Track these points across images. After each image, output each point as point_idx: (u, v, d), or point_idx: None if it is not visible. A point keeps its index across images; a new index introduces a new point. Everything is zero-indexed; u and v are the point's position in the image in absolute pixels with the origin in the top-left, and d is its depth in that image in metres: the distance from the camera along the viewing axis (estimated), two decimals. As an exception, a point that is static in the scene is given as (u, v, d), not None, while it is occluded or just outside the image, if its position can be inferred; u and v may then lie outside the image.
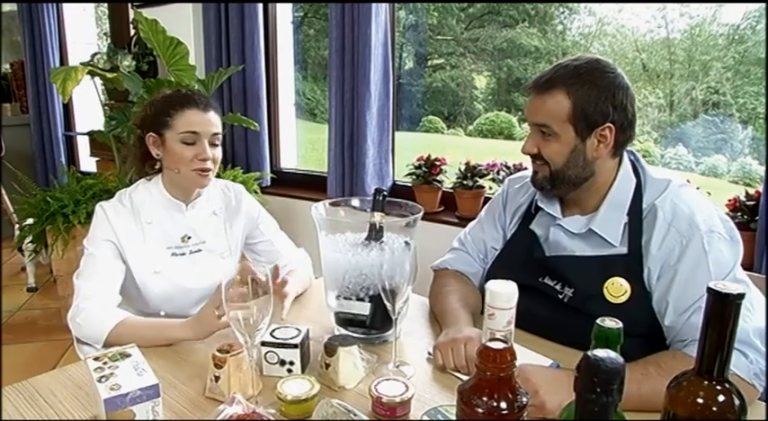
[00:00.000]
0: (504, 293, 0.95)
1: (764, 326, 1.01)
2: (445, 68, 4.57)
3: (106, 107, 3.10)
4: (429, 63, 4.66)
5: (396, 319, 1.09)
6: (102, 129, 2.85)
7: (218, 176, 1.57)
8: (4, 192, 3.76)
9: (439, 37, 4.55)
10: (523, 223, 1.32)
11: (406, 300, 1.07)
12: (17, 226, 3.16)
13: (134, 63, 3.26)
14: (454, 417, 0.84)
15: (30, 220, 2.82)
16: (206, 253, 1.45)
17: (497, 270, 1.33)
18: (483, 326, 0.98)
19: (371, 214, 1.21)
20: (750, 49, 3.07)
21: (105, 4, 4.26)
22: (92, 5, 4.56)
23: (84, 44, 4.44)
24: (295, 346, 1.07)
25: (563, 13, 4.02)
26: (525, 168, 2.34)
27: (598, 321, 0.70)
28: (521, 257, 1.28)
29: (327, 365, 1.05)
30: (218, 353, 0.99)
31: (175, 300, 1.42)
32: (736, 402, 0.59)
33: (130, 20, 3.48)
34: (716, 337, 0.59)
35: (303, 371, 1.08)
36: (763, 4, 2.42)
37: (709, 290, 0.59)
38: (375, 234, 1.20)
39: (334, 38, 2.67)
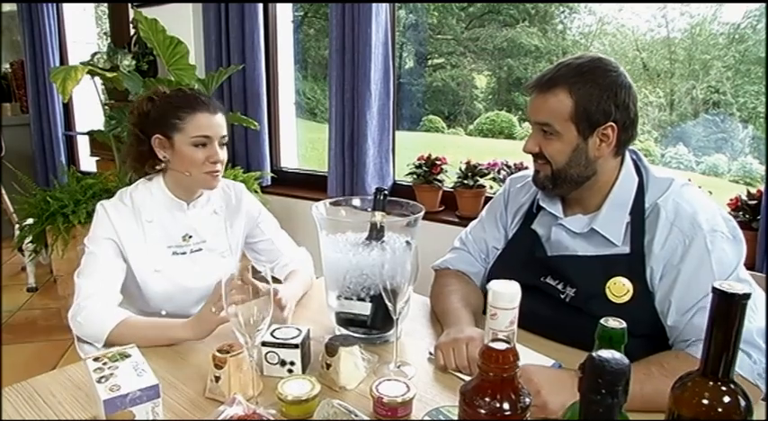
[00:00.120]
0: (507, 293, 0.95)
1: (765, 326, 1.00)
2: (445, 68, 4.57)
3: (106, 107, 3.09)
4: (429, 62, 4.66)
5: (397, 319, 1.08)
6: (102, 128, 2.84)
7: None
8: (4, 192, 3.76)
9: (439, 36, 4.55)
10: (525, 223, 1.32)
11: (408, 299, 1.07)
12: (17, 226, 3.15)
13: (134, 62, 3.25)
14: (456, 418, 0.84)
15: (30, 220, 2.82)
16: (206, 252, 1.45)
17: (499, 270, 1.32)
18: (485, 327, 0.98)
19: (372, 214, 1.20)
20: (750, 48, 3.06)
21: (105, 4, 4.26)
22: (92, 5, 4.55)
23: (84, 44, 4.44)
24: (296, 346, 1.06)
25: (563, 12, 4.02)
26: (526, 168, 2.34)
27: (602, 321, 0.69)
28: (522, 257, 1.28)
29: (328, 365, 1.05)
30: (218, 354, 0.99)
31: (176, 299, 1.41)
32: (742, 403, 0.59)
33: (130, 19, 3.48)
34: (721, 338, 0.58)
35: (304, 372, 1.08)
36: (763, 4, 2.42)
37: (715, 290, 0.58)
38: (376, 233, 1.20)
39: (335, 37, 2.67)
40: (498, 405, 0.65)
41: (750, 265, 1.79)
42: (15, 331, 2.97)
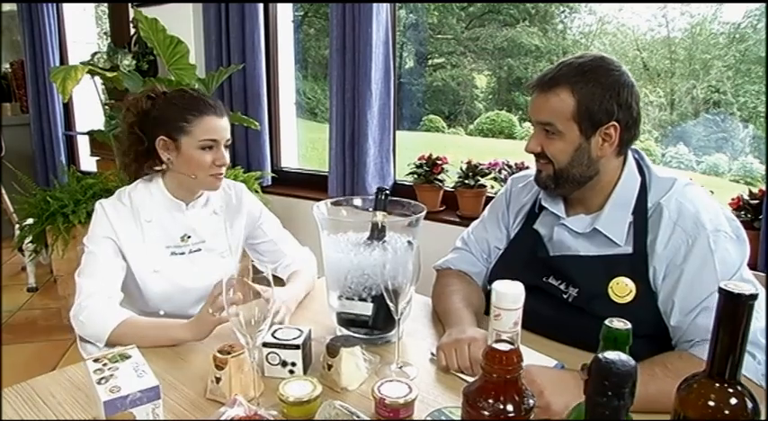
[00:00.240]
0: (511, 294, 0.94)
1: (765, 326, 1.00)
2: (446, 67, 4.57)
3: (106, 106, 3.09)
4: (429, 62, 4.66)
5: (398, 320, 1.08)
6: (103, 128, 2.84)
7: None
8: (4, 191, 3.75)
9: (439, 36, 4.55)
10: (527, 222, 1.31)
11: (409, 300, 1.06)
12: (17, 226, 3.15)
13: (134, 62, 3.25)
14: (458, 419, 0.83)
15: (30, 220, 2.82)
16: (205, 252, 1.44)
17: (501, 270, 1.32)
18: (489, 327, 0.97)
19: (374, 213, 1.20)
20: (751, 48, 3.06)
21: (105, 4, 4.25)
22: (92, 5, 4.55)
23: (85, 43, 4.43)
24: (297, 347, 1.06)
25: (563, 12, 4.02)
26: (527, 167, 2.33)
27: (606, 322, 0.68)
28: (524, 257, 1.27)
29: (330, 366, 1.04)
30: (219, 355, 0.98)
31: (175, 299, 1.41)
32: (749, 405, 0.58)
33: (130, 19, 3.47)
34: (728, 339, 0.58)
35: (305, 373, 1.07)
36: (763, 4, 2.41)
37: (721, 290, 0.58)
38: (377, 233, 1.19)
39: (335, 37, 2.67)
40: (502, 406, 0.65)
41: (752, 265, 1.79)
42: (15, 331, 2.97)
